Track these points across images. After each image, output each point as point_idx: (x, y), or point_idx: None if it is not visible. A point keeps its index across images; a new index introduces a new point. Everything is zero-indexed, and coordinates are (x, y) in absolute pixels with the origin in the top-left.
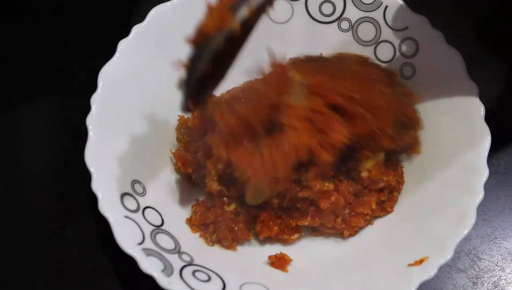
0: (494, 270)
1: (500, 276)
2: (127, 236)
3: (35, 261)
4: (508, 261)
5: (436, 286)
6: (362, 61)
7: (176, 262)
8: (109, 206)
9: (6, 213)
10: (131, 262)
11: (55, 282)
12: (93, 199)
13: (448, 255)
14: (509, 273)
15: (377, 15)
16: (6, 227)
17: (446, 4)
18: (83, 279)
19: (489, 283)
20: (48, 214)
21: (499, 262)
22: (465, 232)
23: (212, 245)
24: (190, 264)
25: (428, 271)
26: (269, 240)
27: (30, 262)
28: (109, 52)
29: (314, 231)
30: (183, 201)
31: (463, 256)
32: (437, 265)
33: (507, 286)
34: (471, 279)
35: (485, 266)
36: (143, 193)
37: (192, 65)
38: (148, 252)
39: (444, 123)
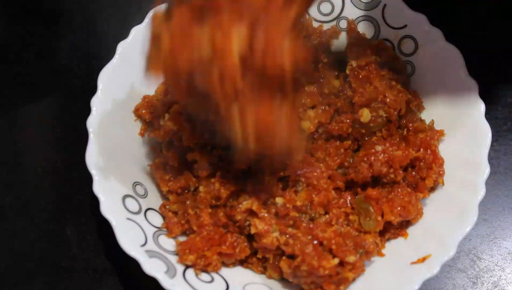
0: (494, 270)
1: (500, 276)
2: (130, 238)
3: (35, 261)
4: (508, 261)
5: (436, 286)
6: None
7: (179, 263)
8: (111, 208)
9: (6, 213)
10: (131, 262)
11: (55, 282)
12: (93, 198)
13: (451, 252)
14: (509, 273)
15: (376, 13)
16: (6, 227)
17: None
18: (83, 279)
19: (489, 283)
20: (48, 214)
21: (499, 262)
22: (467, 229)
23: None
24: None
25: (431, 269)
26: None
27: (30, 262)
28: (109, 52)
29: None
30: None
31: (463, 256)
32: (440, 262)
33: (507, 286)
34: (471, 279)
35: (485, 266)
36: (144, 194)
37: None
38: (151, 253)
39: (444, 120)
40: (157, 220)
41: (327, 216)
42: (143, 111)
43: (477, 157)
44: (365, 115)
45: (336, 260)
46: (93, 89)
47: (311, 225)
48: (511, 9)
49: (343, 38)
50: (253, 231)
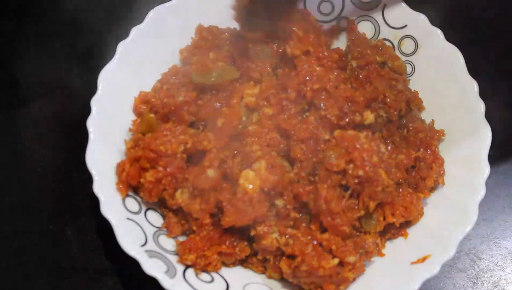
0: (494, 270)
1: (500, 276)
2: (130, 238)
3: (35, 261)
4: (508, 261)
5: (436, 286)
6: None
7: (179, 263)
8: (111, 208)
9: (6, 213)
10: (131, 262)
11: (55, 282)
12: (93, 198)
13: (451, 252)
14: (509, 273)
15: (376, 13)
16: (6, 227)
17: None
18: (83, 279)
19: (489, 283)
20: (48, 214)
21: (499, 262)
22: (468, 229)
23: None
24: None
25: (431, 269)
26: None
27: (30, 262)
28: (109, 52)
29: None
30: None
31: (463, 256)
32: (440, 262)
33: (507, 286)
34: (471, 279)
35: (485, 266)
36: None
37: None
38: (151, 253)
39: (444, 120)
40: (157, 220)
41: None
42: (143, 108)
43: (477, 157)
44: (370, 117)
45: (336, 260)
46: (93, 89)
47: (311, 226)
48: (510, 9)
49: (343, 38)
50: (252, 233)
